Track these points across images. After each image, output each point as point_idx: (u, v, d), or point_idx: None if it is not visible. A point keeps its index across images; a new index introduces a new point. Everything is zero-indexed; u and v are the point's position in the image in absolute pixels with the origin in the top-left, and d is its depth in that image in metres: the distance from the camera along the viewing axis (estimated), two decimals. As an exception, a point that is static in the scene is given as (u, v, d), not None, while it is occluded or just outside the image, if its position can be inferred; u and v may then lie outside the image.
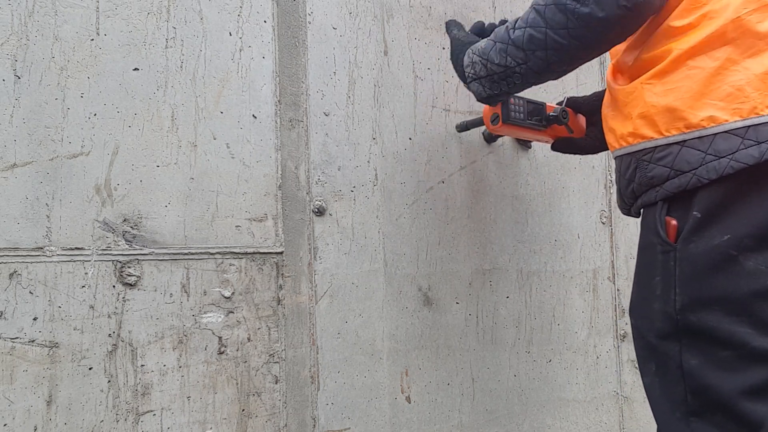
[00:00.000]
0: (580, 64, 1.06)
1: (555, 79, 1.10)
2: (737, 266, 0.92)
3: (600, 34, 0.98)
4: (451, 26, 1.27)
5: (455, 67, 1.22)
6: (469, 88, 1.18)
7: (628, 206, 1.09)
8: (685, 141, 0.94)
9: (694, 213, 0.93)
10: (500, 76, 1.09)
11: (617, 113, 1.06)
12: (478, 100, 1.18)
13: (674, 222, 0.96)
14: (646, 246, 1.02)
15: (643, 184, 1.00)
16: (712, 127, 0.91)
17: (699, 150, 0.92)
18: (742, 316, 0.92)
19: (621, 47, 1.09)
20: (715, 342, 0.93)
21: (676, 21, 0.96)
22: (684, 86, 0.94)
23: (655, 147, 0.97)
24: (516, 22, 1.06)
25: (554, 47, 1.00)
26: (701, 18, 0.94)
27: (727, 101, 0.91)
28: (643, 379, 1.05)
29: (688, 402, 0.96)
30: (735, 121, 0.90)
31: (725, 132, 0.91)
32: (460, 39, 1.22)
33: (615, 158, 1.09)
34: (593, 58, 1.05)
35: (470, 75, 1.14)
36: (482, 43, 1.13)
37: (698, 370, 0.94)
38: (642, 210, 1.05)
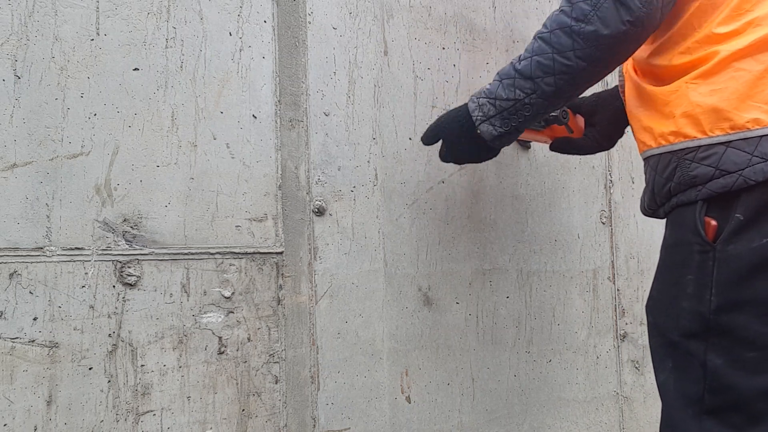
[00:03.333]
0: (587, 87, 1.07)
1: (560, 107, 1.11)
2: None
3: (606, 52, 0.99)
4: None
5: (460, 125, 1.17)
6: (479, 130, 1.14)
7: (657, 206, 1.09)
8: (730, 142, 0.94)
9: (737, 215, 0.94)
10: (510, 111, 1.08)
11: (654, 112, 1.06)
12: (488, 141, 1.14)
13: (714, 222, 0.97)
14: (679, 244, 1.02)
15: (683, 183, 1.00)
16: (757, 129, 0.93)
17: (745, 151, 0.93)
18: None
19: (644, 52, 1.09)
20: (742, 343, 0.94)
21: (719, 28, 0.97)
22: (730, 87, 0.95)
23: (699, 147, 0.97)
24: (520, 57, 1.07)
25: (562, 71, 1.01)
26: (746, 25, 0.96)
27: None
28: (657, 376, 1.06)
29: (704, 400, 0.97)
30: None
31: None
32: (447, 112, 1.21)
33: (648, 158, 1.09)
34: (600, 78, 1.06)
35: (478, 118, 1.13)
36: (485, 86, 1.14)
37: (722, 370, 0.95)
38: (673, 210, 1.05)
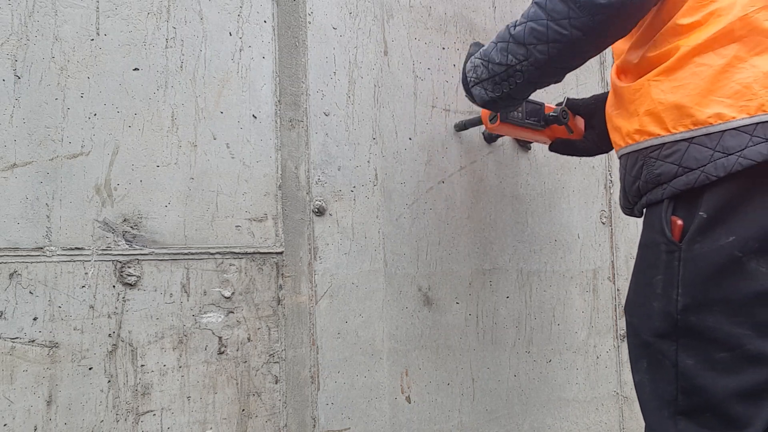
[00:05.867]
0: (581, 61, 1.05)
1: (556, 79, 1.09)
2: (741, 268, 0.91)
3: (601, 23, 0.96)
4: (471, 46, 1.25)
5: (462, 81, 1.20)
6: (471, 93, 1.15)
7: (631, 205, 1.08)
8: (693, 138, 0.93)
9: (701, 213, 0.93)
10: (501, 76, 1.07)
11: (623, 111, 1.05)
12: (480, 105, 1.15)
13: (680, 222, 0.95)
14: (649, 244, 1.02)
15: (649, 182, 0.99)
16: (720, 124, 0.91)
17: (707, 147, 0.92)
18: (741, 317, 0.92)
19: (624, 47, 1.09)
20: (712, 343, 0.93)
21: (682, 19, 0.96)
22: (691, 83, 0.94)
23: (663, 144, 0.96)
24: (516, 21, 1.05)
25: (555, 39, 0.99)
26: (708, 16, 0.94)
27: (735, 98, 0.91)
28: (633, 376, 1.06)
29: (678, 401, 0.96)
30: (743, 119, 0.90)
31: (733, 129, 0.90)
32: (470, 53, 1.21)
33: (620, 157, 1.08)
34: (594, 52, 1.03)
35: (472, 79, 1.13)
36: (484, 47, 1.13)
37: (693, 371, 0.94)
38: (645, 209, 1.05)
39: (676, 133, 0.95)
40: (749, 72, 0.91)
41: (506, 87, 1.08)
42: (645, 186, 1.01)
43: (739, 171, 0.89)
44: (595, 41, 1.00)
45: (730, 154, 0.90)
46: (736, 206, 0.92)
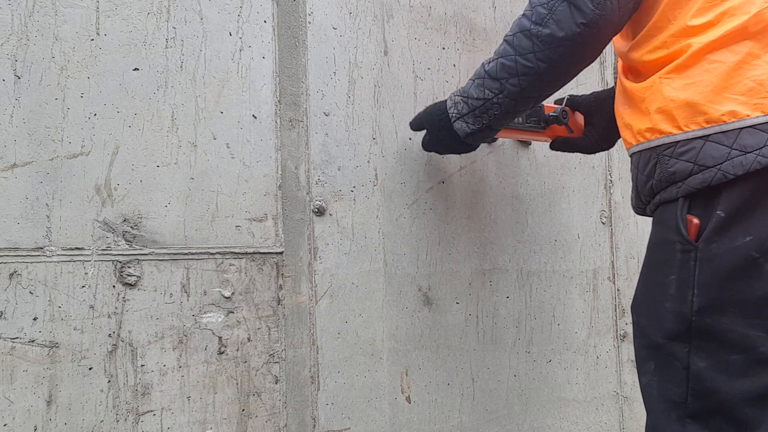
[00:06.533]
0: (552, 89, 1.09)
1: (532, 107, 1.13)
2: (757, 269, 0.90)
3: (563, 55, 1.00)
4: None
5: (431, 131, 1.24)
6: (453, 128, 1.18)
7: (644, 204, 1.07)
8: (708, 135, 0.92)
9: (718, 212, 0.92)
10: (480, 109, 1.12)
11: (633, 109, 1.04)
12: (464, 139, 1.18)
13: (696, 221, 0.94)
14: (661, 243, 1.00)
15: (663, 180, 0.98)
16: (733, 122, 0.90)
17: (724, 145, 0.91)
18: (756, 319, 0.91)
19: (625, 48, 1.09)
20: (726, 345, 0.92)
21: (694, 20, 0.95)
22: (704, 80, 0.93)
23: (677, 142, 0.95)
24: (489, 58, 1.10)
25: (524, 72, 1.04)
26: (721, 16, 0.93)
27: (749, 96, 0.90)
28: (640, 378, 1.04)
29: (688, 404, 0.95)
30: (757, 117, 0.89)
31: (751, 127, 0.89)
32: (432, 104, 1.27)
33: (631, 155, 1.07)
34: (565, 80, 1.08)
35: (453, 115, 1.17)
36: (462, 85, 1.18)
37: (705, 373, 0.93)
38: (657, 207, 1.03)
39: (688, 131, 0.94)
40: (763, 69, 0.90)
41: (485, 119, 1.13)
42: (658, 185, 0.99)
43: (757, 170, 0.88)
44: (560, 71, 1.05)
45: (748, 152, 0.89)
46: (754, 206, 0.90)
